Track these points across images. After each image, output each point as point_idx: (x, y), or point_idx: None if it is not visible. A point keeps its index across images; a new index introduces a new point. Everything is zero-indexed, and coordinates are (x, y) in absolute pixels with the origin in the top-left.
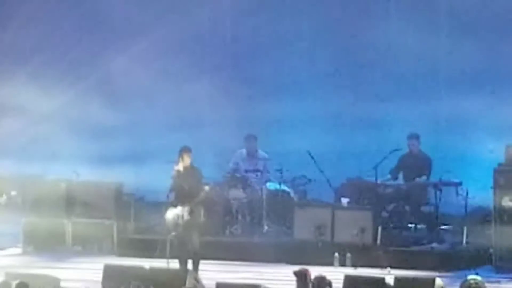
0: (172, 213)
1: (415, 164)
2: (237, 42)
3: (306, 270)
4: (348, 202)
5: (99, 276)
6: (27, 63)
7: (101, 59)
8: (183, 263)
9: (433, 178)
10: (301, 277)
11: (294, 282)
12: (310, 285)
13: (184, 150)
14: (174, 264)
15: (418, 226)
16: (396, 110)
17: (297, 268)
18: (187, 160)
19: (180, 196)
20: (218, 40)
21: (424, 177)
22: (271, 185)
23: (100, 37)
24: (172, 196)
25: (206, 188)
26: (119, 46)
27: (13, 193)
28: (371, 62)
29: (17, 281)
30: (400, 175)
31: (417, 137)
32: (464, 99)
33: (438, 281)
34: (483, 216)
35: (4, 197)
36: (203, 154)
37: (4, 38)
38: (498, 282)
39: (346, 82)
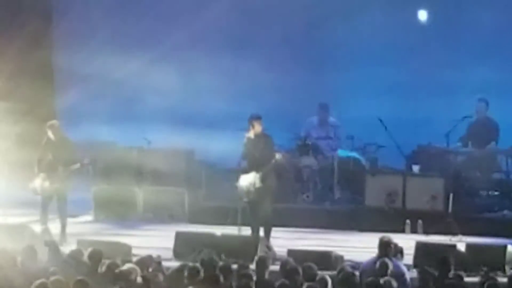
0: (244, 180)
1: (483, 131)
2: (309, 10)
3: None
4: (420, 169)
5: (170, 243)
6: (99, 31)
7: (172, 26)
8: (255, 231)
9: (503, 145)
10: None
11: (365, 249)
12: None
13: (254, 117)
14: (246, 231)
15: (490, 193)
16: (466, 75)
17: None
18: (258, 127)
19: (252, 163)
20: (290, 8)
21: (493, 143)
22: (342, 152)
23: (173, 4)
24: (244, 163)
25: (278, 155)
26: (190, 14)
27: (85, 161)
28: (442, 29)
29: (90, 249)
30: (470, 142)
31: (485, 101)
32: None
33: (510, 248)
34: None
35: (77, 164)
36: (274, 121)
37: (75, 7)
38: None
39: (417, 48)
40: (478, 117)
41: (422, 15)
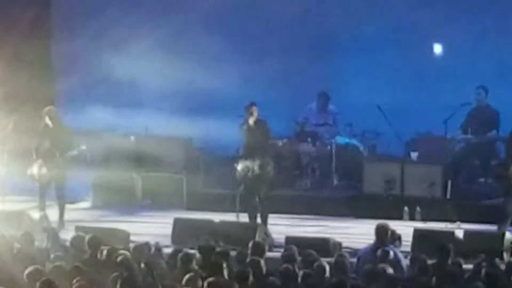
0: (241, 167)
1: (483, 118)
2: None
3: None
4: (418, 156)
5: (168, 229)
6: (97, 17)
7: (171, 11)
8: (252, 217)
9: (502, 133)
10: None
11: (363, 236)
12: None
13: (250, 104)
14: (244, 218)
15: (488, 180)
16: (465, 63)
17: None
18: (254, 114)
19: (249, 149)
20: None
21: (494, 132)
22: (340, 139)
23: None
24: (241, 150)
25: (277, 142)
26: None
27: (83, 147)
28: (440, 14)
29: (89, 236)
30: (469, 130)
31: (484, 89)
32: None
33: (508, 235)
34: None
35: (75, 150)
36: (273, 108)
37: None
38: None
39: (416, 35)
40: (477, 104)
41: (437, 48)
